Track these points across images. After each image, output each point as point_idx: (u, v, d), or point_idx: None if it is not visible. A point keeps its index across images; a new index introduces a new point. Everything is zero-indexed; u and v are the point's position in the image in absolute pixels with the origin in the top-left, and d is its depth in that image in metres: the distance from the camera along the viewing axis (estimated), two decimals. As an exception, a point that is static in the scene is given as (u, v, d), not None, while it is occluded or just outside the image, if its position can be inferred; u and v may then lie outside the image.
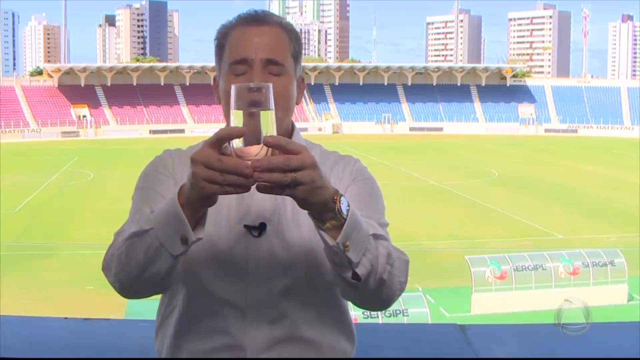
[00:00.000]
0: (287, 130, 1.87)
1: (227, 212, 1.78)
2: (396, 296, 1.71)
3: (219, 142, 1.45)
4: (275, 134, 1.48)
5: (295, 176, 1.45)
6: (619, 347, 2.92)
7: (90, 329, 3.12)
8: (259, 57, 1.78)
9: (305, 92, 2.07)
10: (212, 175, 1.44)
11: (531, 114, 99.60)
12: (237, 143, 1.46)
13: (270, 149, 1.46)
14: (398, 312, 18.28)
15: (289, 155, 1.45)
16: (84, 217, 34.93)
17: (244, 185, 1.44)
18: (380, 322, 16.82)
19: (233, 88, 1.49)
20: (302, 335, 1.79)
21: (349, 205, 1.55)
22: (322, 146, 1.98)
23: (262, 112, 1.47)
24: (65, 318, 3.22)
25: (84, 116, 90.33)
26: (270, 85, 1.50)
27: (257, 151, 1.45)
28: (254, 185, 1.46)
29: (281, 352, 1.78)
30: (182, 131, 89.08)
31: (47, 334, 3.01)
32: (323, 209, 1.53)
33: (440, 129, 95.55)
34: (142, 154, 64.27)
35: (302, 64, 1.94)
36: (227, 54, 1.83)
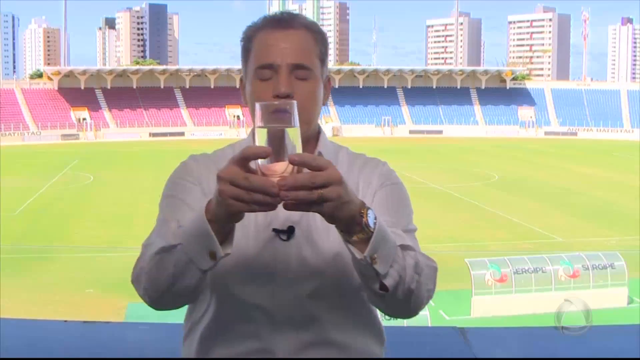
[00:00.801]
0: (314, 134, 1.87)
1: (255, 216, 1.76)
2: (424, 304, 1.71)
3: (245, 160, 1.45)
4: (300, 150, 1.47)
5: (322, 193, 1.44)
6: (619, 349, 2.93)
7: (90, 332, 3.12)
8: (285, 62, 1.77)
9: None
10: (239, 193, 1.44)
11: (531, 117, 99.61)
12: (262, 160, 1.46)
13: (296, 166, 1.46)
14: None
15: (315, 173, 1.44)
16: (83, 220, 34.92)
17: (271, 203, 1.44)
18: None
19: (257, 106, 1.49)
20: (331, 339, 1.79)
21: (376, 218, 1.55)
22: (348, 148, 1.97)
23: (287, 130, 1.47)
24: (65, 321, 3.22)
25: (84, 119, 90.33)
26: (295, 102, 1.50)
27: (283, 168, 1.45)
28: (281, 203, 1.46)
29: (310, 356, 1.78)
30: (182, 134, 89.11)
31: (47, 336, 3.01)
32: (350, 223, 1.52)
33: (440, 132, 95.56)
34: (142, 156, 64.50)
35: None
36: (253, 58, 1.82)
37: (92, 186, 46.87)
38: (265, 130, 1.48)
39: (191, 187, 1.84)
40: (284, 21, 1.83)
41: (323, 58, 1.86)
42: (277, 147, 1.46)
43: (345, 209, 1.49)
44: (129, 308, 20.34)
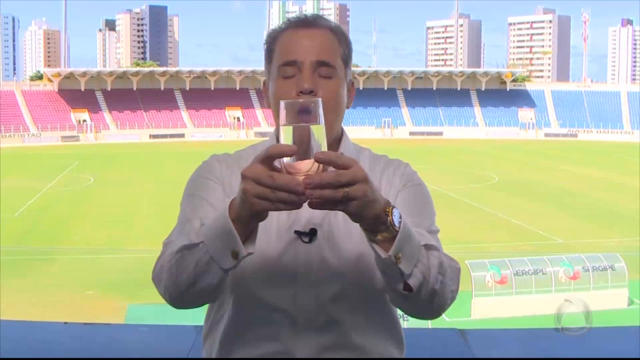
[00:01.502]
0: (337, 135, 1.88)
1: (277, 217, 1.76)
2: (447, 305, 1.70)
3: (270, 158, 1.44)
4: (325, 148, 1.46)
5: (347, 191, 1.43)
6: (619, 351, 2.92)
7: (90, 334, 3.12)
8: (308, 59, 1.77)
9: None
10: (263, 191, 1.43)
11: (531, 119, 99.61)
12: (287, 159, 1.45)
13: (321, 164, 1.45)
14: (398, 316, 18.27)
15: (340, 171, 1.43)
16: (84, 221, 34.92)
17: (296, 202, 1.43)
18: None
19: (282, 103, 1.48)
20: (352, 342, 1.78)
21: (400, 217, 1.54)
22: (371, 150, 1.98)
23: (312, 127, 1.46)
24: (66, 323, 3.22)
25: (84, 121, 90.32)
26: (320, 100, 1.49)
27: (308, 167, 1.44)
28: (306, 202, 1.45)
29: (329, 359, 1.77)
30: (182, 136, 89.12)
31: (48, 338, 3.01)
32: (375, 221, 1.51)
33: (440, 134, 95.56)
34: (142, 158, 64.49)
35: None
36: (276, 57, 1.82)
37: (92, 188, 46.86)
38: (290, 128, 1.46)
39: (213, 186, 1.83)
40: (308, 21, 1.84)
41: (346, 60, 1.85)
42: (302, 145, 1.45)
43: (371, 208, 1.48)
44: (129, 310, 20.37)
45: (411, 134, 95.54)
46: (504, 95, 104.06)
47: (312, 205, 1.45)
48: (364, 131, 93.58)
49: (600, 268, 23.84)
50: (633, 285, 23.55)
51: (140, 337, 3.02)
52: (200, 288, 1.62)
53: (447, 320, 21.05)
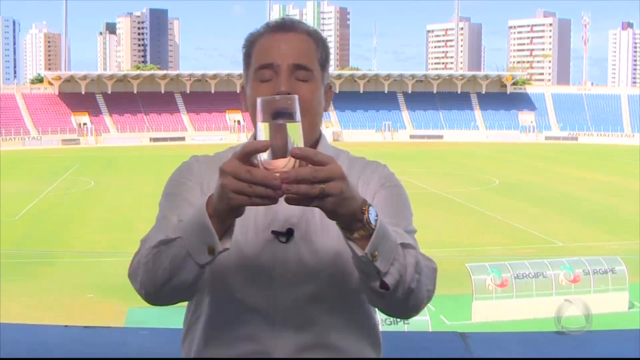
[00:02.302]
0: (315, 138, 1.88)
1: (254, 218, 1.77)
2: (423, 304, 1.71)
3: (247, 155, 1.46)
4: (302, 145, 1.48)
5: (324, 187, 1.45)
6: (620, 354, 2.92)
7: (90, 337, 3.12)
8: (285, 62, 1.78)
9: None
10: (241, 186, 1.44)
11: (531, 122, 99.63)
12: (264, 155, 1.46)
13: (297, 161, 1.46)
14: (399, 320, 18.25)
15: (317, 167, 1.45)
16: (84, 224, 34.92)
17: (272, 197, 1.44)
18: (380, 329, 16.79)
19: (259, 101, 1.49)
20: (329, 342, 1.79)
21: (377, 216, 1.55)
22: (349, 152, 1.98)
23: (288, 124, 1.47)
24: (66, 326, 3.22)
25: (85, 124, 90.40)
26: (296, 97, 1.50)
27: (284, 163, 1.46)
28: (282, 197, 1.46)
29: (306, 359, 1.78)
30: (182, 139, 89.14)
31: (47, 341, 3.01)
32: (352, 219, 1.52)
33: (441, 137, 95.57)
34: (142, 161, 64.49)
35: None
36: (254, 61, 1.83)
37: (92, 191, 46.86)
38: (267, 125, 1.48)
39: (192, 186, 1.84)
40: (286, 25, 1.84)
41: (324, 64, 1.86)
42: (279, 142, 1.46)
43: (347, 205, 1.49)
44: (129, 313, 20.33)
45: (412, 137, 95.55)
46: (504, 98, 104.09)
47: (289, 201, 1.46)
48: (364, 134, 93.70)
49: (601, 271, 23.81)
50: (634, 288, 23.53)
51: (140, 341, 3.02)
52: (176, 284, 1.63)
53: (448, 323, 21.04)
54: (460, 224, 35.06)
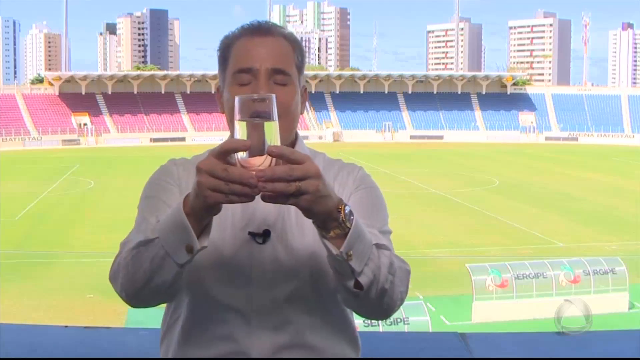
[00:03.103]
0: (292, 140, 1.88)
1: (232, 218, 1.79)
2: (397, 306, 1.72)
3: (224, 153, 1.47)
4: (279, 144, 1.49)
5: (299, 185, 1.46)
6: (620, 354, 2.92)
7: (90, 338, 3.12)
8: (264, 66, 1.79)
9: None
10: (217, 184, 1.45)
11: (532, 122, 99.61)
12: (241, 154, 1.48)
13: (274, 159, 1.47)
14: (399, 320, 18.25)
15: (293, 165, 1.46)
16: (84, 225, 34.92)
17: (249, 194, 1.46)
18: (380, 330, 16.79)
19: (237, 100, 1.50)
20: (307, 342, 1.80)
21: (352, 215, 1.56)
22: (325, 154, 1.99)
23: (266, 123, 1.49)
24: (66, 326, 3.22)
25: (85, 124, 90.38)
26: (274, 96, 1.51)
27: (261, 161, 1.47)
28: (259, 195, 1.47)
29: (284, 358, 1.78)
30: (182, 139, 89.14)
31: (48, 342, 3.01)
32: (327, 218, 1.54)
33: (441, 137, 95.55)
34: (142, 162, 64.44)
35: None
36: (231, 64, 1.83)
37: (92, 191, 46.88)
38: (244, 124, 1.49)
39: (171, 188, 1.86)
40: (263, 29, 1.85)
41: (300, 67, 1.88)
42: (256, 140, 1.47)
43: (322, 203, 1.51)
44: (129, 313, 20.32)
45: (412, 137, 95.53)
46: (504, 98, 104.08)
47: (265, 199, 1.47)
48: (364, 135, 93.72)
49: (601, 272, 23.81)
50: (634, 289, 23.53)
51: (140, 341, 3.02)
52: (156, 285, 1.64)
53: (448, 324, 21.04)
54: (461, 224, 35.05)
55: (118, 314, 20.51)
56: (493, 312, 22.18)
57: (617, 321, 20.99)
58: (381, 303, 1.67)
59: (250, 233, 1.78)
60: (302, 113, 1.91)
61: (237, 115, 1.50)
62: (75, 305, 22.26)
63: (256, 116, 1.49)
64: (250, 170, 1.46)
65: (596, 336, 3.05)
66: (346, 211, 1.55)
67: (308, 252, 1.77)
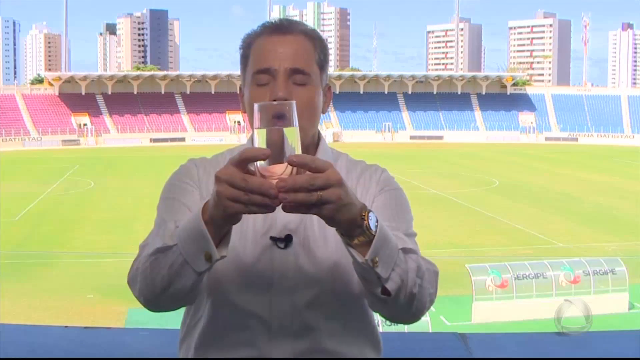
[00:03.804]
0: (314, 140, 1.86)
1: (253, 223, 1.76)
2: (426, 308, 1.69)
3: (244, 161, 1.43)
4: (299, 151, 1.46)
5: (321, 195, 1.42)
6: (620, 354, 2.92)
7: (90, 338, 3.12)
8: (282, 67, 1.76)
9: None
10: (237, 194, 1.42)
11: (531, 123, 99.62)
12: (261, 162, 1.44)
13: (295, 167, 1.44)
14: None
15: (314, 174, 1.42)
16: (84, 225, 34.92)
17: (269, 205, 1.42)
18: (380, 330, 16.78)
19: (256, 106, 1.47)
20: (327, 348, 1.78)
21: (377, 221, 1.53)
22: (348, 155, 1.96)
23: (286, 130, 1.45)
24: (66, 327, 3.22)
25: (85, 124, 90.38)
26: (294, 102, 1.49)
27: (282, 170, 1.44)
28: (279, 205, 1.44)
29: None
30: (182, 139, 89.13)
31: (48, 342, 3.00)
32: (351, 225, 1.50)
33: (441, 138, 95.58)
34: (142, 162, 64.51)
35: None
36: (251, 64, 1.81)
37: (92, 192, 46.87)
38: (264, 131, 1.46)
39: (191, 190, 1.83)
40: (283, 27, 1.82)
41: (322, 65, 1.84)
42: (276, 148, 1.44)
43: (346, 212, 1.47)
44: (129, 314, 20.34)
45: (412, 138, 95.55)
46: (504, 99, 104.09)
47: (286, 209, 1.43)
48: (364, 135, 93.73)
49: (601, 272, 23.82)
50: (634, 289, 23.54)
51: (140, 341, 3.02)
52: (175, 291, 1.62)
53: (448, 324, 21.04)
54: (461, 224, 35.06)
55: (118, 314, 20.52)
56: (493, 312, 22.18)
57: (617, 321, 21.00)
58: (410, 307, 1.64)
59: (272, 238, 1.76)
60: (324, 112, 1.88)
61: (256, 123, 1.47)
62: (75, 305, 22.26)
63: (276, 123, 1.45)
64: (270, 179, 1.43)
65: (596, 336, 3.05)
66: (370, 217, 1.51)
67: (331, 258, 1.75)
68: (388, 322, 17.92)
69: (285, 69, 1.76)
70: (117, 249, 29.18)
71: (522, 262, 25.04)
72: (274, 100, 1.70)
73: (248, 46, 1.84)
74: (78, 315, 21.05)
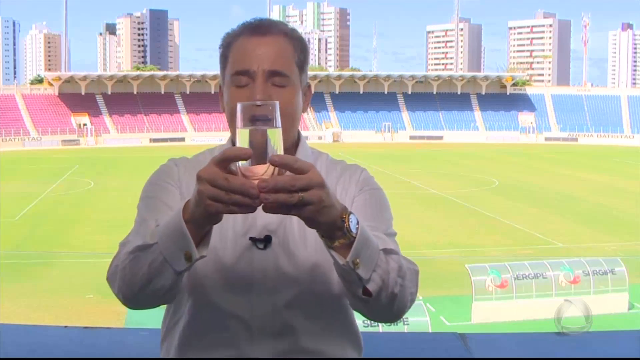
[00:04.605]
0: (294, 141, 1.86)
1: (233, 223, 1.76)
2: (407, 308, 1.70)
3: (226, 161, 1.43)
4: (282, 152, 1.46)
5: (303, 196, 1.42)
6: (620, 354, 2.92)
7: (90, 338, 3.12)
8: (261, 68, 1.75)
9: None
10: (218, 194, 1.42)
11: (531, 123, 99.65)
12: (243, 162, 1.44)
13: (276, 168, 1.44)
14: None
15: (296, 176, 1.42)
16: (84, 225, 34.90)
17: (250, 205, 1.42)
18: (380, 330, 16.78)
19: (239, 106, 1.47)
20: (307, 348, 1.78)
21: (358, 223, 1.53)
22: (329, 155, 1.96)
23: (269, 130, 1.45)
24: (65, 327, 3.22)
25: (85, 124, 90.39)
26: (277, 103, 1.48)
27: (263, 170, 1.44)
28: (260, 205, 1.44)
29: None
30: (182, 139, 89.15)
31: (47, 342, 3.00)
32: (331, 227, 1.50)
33: (441, 138, 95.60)
34: (142, 162, 64.45)
35: None
36: (230, 65, 1.80)
37: (92, 192, 46.86)
38: (246, 131, 1.46)
39: (170, 189, 1.83)
40: (262, 27, 1.81)
41: (302, 65, 1.83)
42: (258, 148, 1.44)
43: (326, 213, 1.47)
44: (129, 314, 20.31)
45: (411, 138, 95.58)
46: (504, 99, 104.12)
47: (267, 209, 1.43)
48: (364, 135, 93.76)
49: (601, 272, 23.81)
50: (633, 289, 23.53)
51: (140, 341, 3.02)
52: (154, 289, 1.62)
53: (448, 324, 21.03)
54: (460, 224, 35.05)
55: (118, 314, 20.49)
56: (493, 312, 22.17)
57: (616, 321, 20.99)
58: (391, 307, 1.65)
59: (251, 238, 1.76)
60: (304, 112, 1.88)
61: (239, 123, 1.47)
62: (75, 305, 22.25)
63: (258, 123, 1.45)
64: (252, 179, 1.43)
65: (596, 336, 3.05)
66: (351, 219, 1.52)
67: (310, 259, 1.76)
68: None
69: (264, 71, 1.75)
70: (117, 249, 29.17)
71: (522, 262, 25.02)
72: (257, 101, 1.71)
73: (227, 46, 1.83)
74: (78, 315, 21.04)
